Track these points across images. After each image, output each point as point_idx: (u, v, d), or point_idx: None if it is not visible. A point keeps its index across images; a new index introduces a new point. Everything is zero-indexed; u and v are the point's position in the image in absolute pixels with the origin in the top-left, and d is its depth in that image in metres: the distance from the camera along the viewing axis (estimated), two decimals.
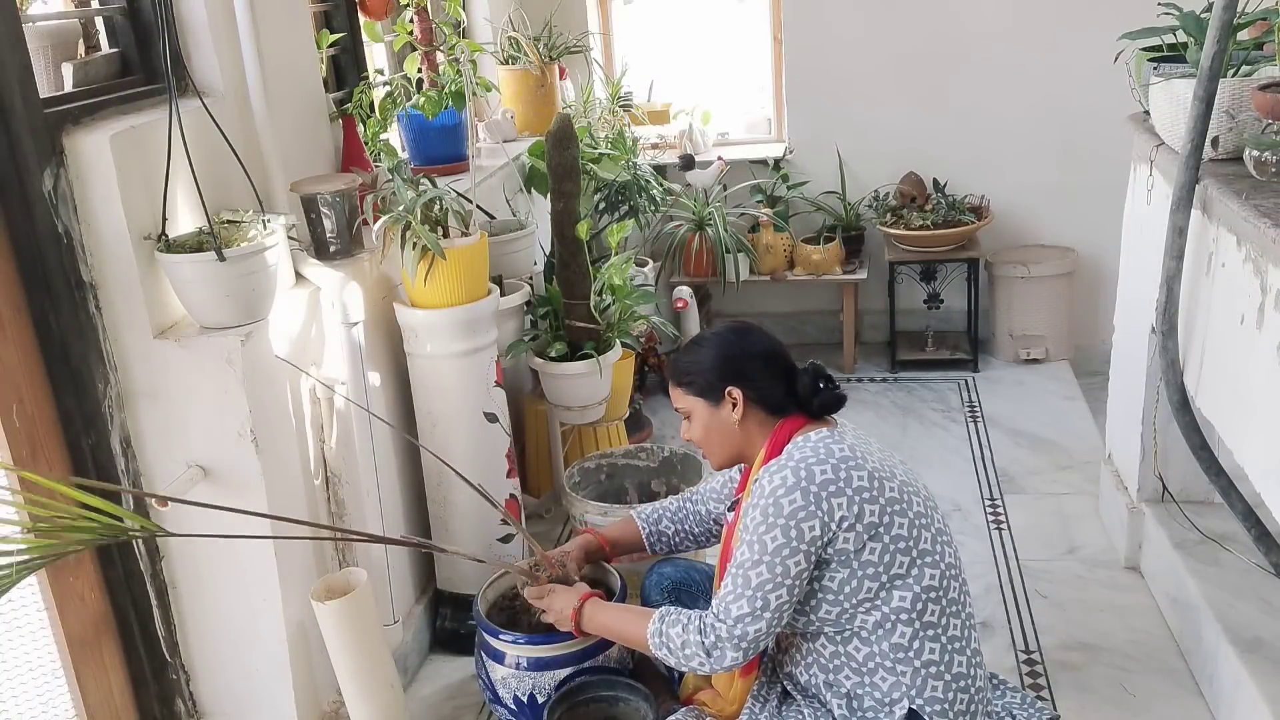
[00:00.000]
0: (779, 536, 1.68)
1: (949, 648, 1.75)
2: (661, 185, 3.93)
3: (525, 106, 3.74)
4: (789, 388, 1.86)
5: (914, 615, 1.72)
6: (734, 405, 1.86)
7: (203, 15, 2.13)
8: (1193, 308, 2.19)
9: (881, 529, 1.70)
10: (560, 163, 2.98)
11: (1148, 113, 2.47)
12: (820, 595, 1.73)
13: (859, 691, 1.76)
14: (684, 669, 1.82)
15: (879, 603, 1.72)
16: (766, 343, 1.91)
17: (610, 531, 2.26)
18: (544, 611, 2.09)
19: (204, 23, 2.14)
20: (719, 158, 4.30)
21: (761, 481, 1.74)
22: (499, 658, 2.18)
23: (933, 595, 1.73)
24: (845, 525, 1.68)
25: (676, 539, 2.21)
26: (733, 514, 1.95)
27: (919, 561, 1.72)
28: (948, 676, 1.74)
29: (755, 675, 1.93)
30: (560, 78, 3.89)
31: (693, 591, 2.17)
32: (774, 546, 1.68)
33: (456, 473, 2.18)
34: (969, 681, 1.76)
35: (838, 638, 1.76)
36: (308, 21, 2.58)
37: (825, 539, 1.69)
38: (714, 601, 1.77)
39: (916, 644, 1.72)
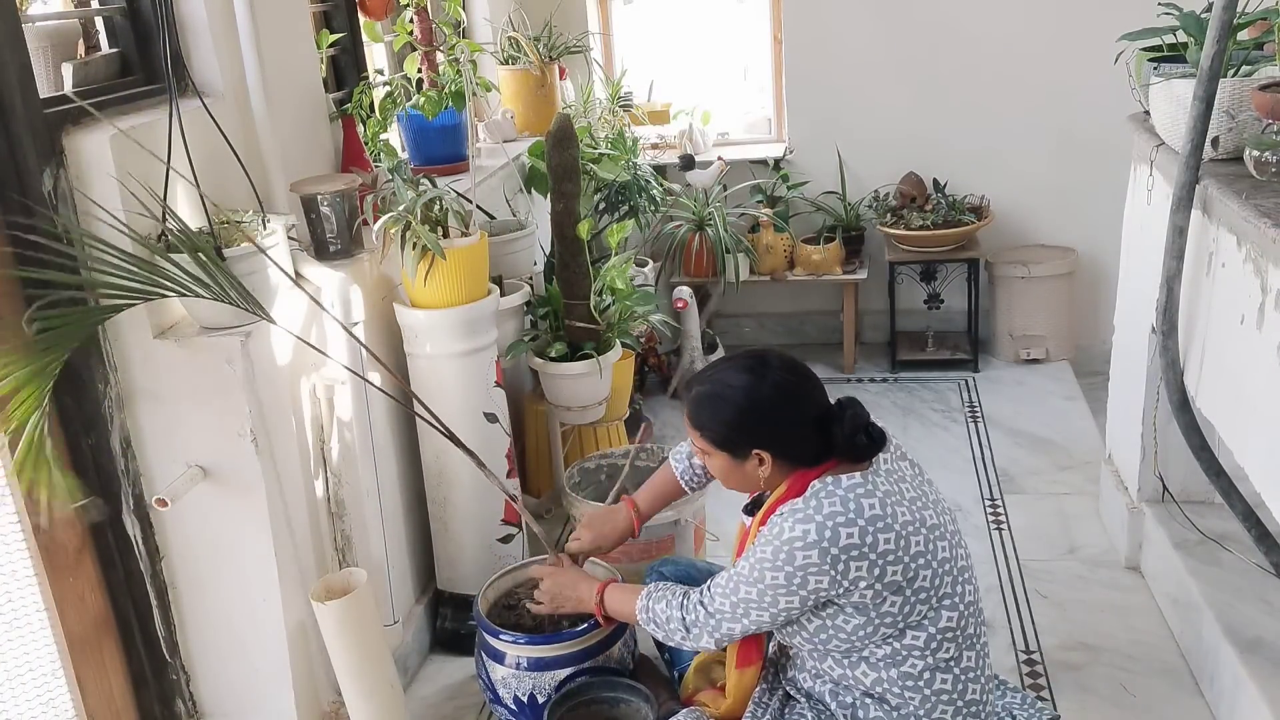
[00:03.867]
0: (780, 579, 1.66)
1: (962, 679, 1.73)
2: (661, 185, 3.93)
3: (525, 106, 3.74)
4: (824, 438, 1.72)
5: (927, 652, 1.70)
6: (760, 462, 1.75)
7: (203, 15, 2.14)
8: (1193, 308, 2.19)
9: (904, 584, 1.66)
10: (560, 163, 2.98)
11: (1148, 113, 2.47)
12: (831, 632, 1.71)
13: (866, 700, 1.76)
14: (669, 642, 1.89)
15: (891, 638, 1.70)
16: (790, 393, 1.74)
17: (642, 496, 2.21)
18: (546, 596, 2.13)
19: (204, 23, 2.14)
20: (719, 158, 4.29)
21: (784, 523, 1.66)
22: (499, 658, 2.18)
23: (949, 635, 1.70)
24: (863, 585, 1.64)
25: (703, 471, 2.14)
26: (750, 518, 1.89)
27: (939, 606, 1.69)
28: (960, 703, 1.73)
29: (754, 669, 1.92)
30: (560, 78, 3.89)
31: None
32: (771, 581, 1.67)
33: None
34: (980, 706, 1.76)
35: (845, 662, 1.75)
36: (308, 21, 2.58)
37: (835, 592, 1.65)
38: (708, 581, 1.81)
39: (928, 675, 1.71)
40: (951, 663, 1.72)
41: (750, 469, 1.77)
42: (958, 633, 1.71)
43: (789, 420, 1.73)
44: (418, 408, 2.21)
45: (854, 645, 1.71)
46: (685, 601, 1.83)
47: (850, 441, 1.71)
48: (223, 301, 1.82)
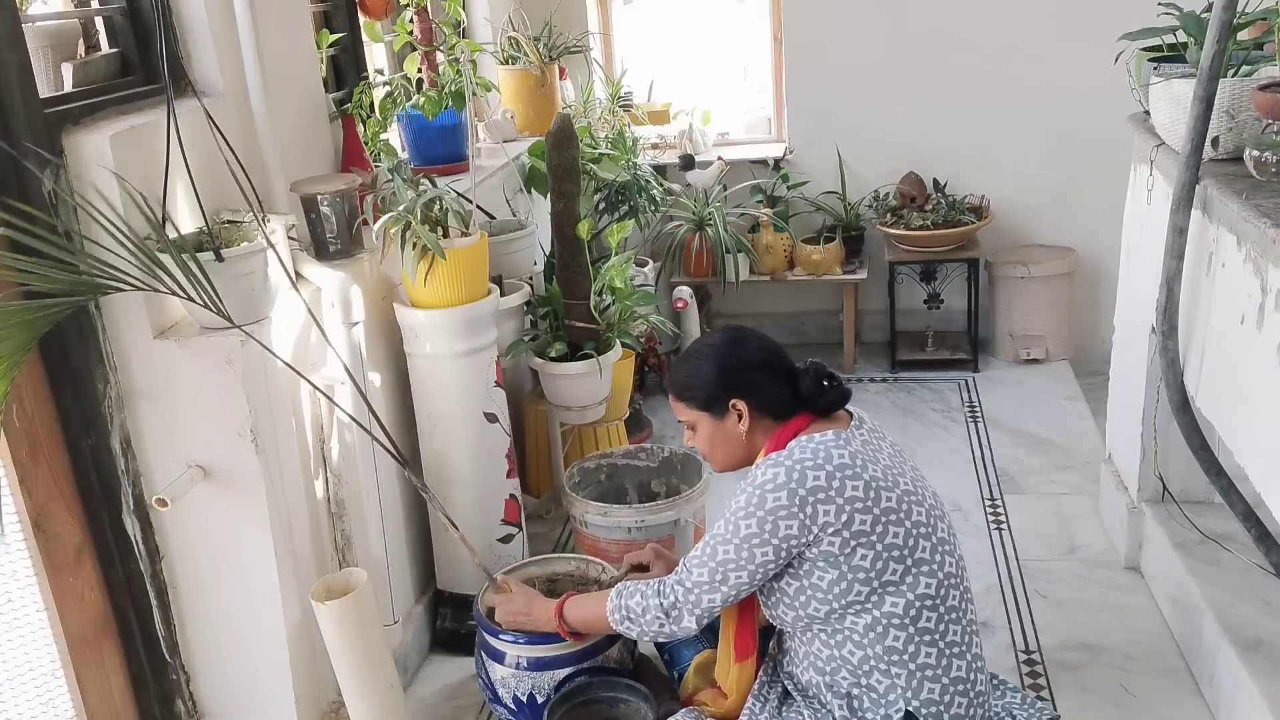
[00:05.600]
0: (754, 526, 1.70)
1: (947, 653, 1.74)
2: (661, 185, 3.93)
3: (525, 106, 3.74)
4: (793, 390, 1.85)
5: (907, 621, 1.71)
6: (739, 416, 1.85)
7: (203, 15, 2.14)
8: (1193, 308, 2.19)
9: (874, 537, 1.69)
10: (560, 163, 2.98)
11: (1148, 113, 2.47)
12: (810, 592, 1.73)
13: (855, 692, 1.76)
14: (646, 638, 1.89)
15: (869, 606, 1.71)
16: (763, 348, 1.89)
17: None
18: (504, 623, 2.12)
19: (204, 23, 2.14)
20: (719, 158, 4.30)
21: (757, 471, 1.75)
22: (499, 658, 2.18)
23: (928, 603, 1.72)
24: (830, 530, 1.68)
25: None
26: None
27: (914, 570, 1.71)
28: (945, 680, 1.74)
29: (751, 661, 1.93)
30: (560, 78, 3.89)
31: None
32: (746, 533, 1.71)
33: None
34: (968, 685, 1.76)
35: (832, 642, 1.76)
36: (308, 21, 2.58)
37: (805, 539, 1.69)
38: (680, 563, 1.83)
39: (911, 648, 1.72)
40: (936, 636, 1.73)
41: (731, 426, 1.86)
42: (938, 601, 1.73)
43: (764, 368, 1.86)
44: (374, 428, 2.15)
45: (833, 608, 1.72)
46: (660, 587, 1.84)
47: (816, 387, 1.82)
48: (207, 308, 1.81)
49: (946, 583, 1.75)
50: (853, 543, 1.69)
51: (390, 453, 2.07)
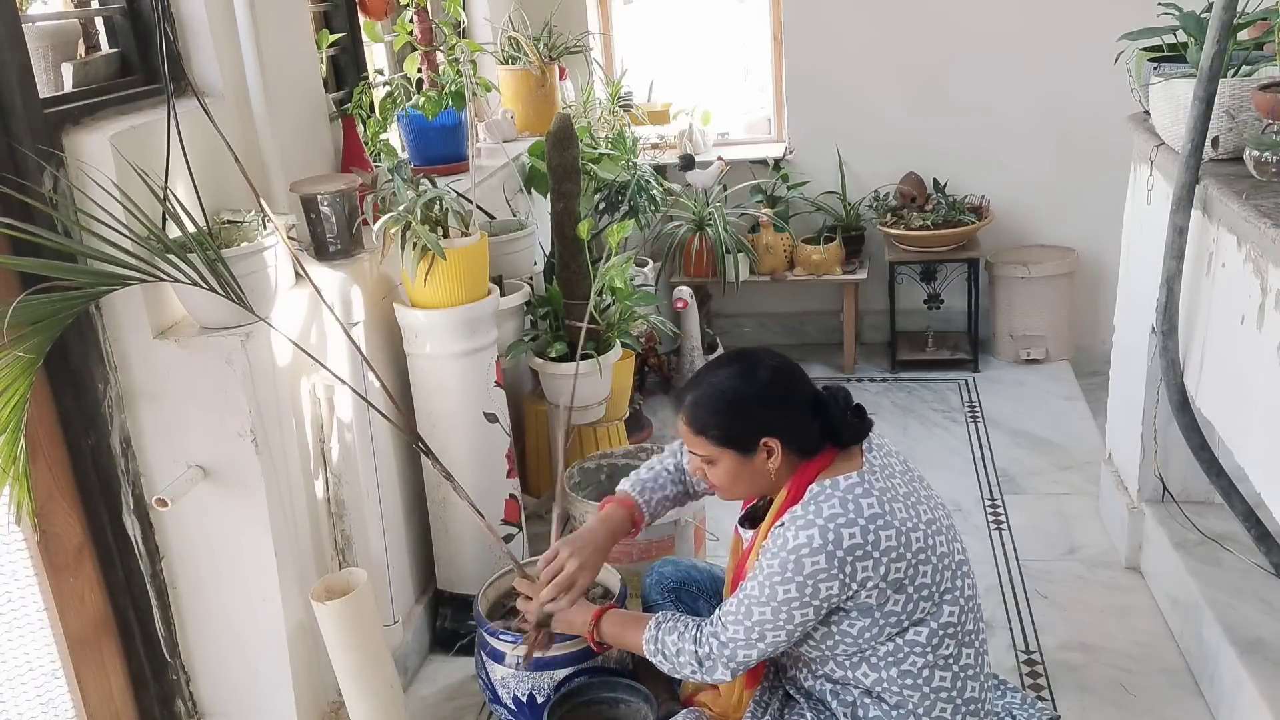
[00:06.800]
0: (793, 590, 1.64)
1: (961, 675, 1.73)
2: (661, 185, 3.93)
3: (525, 106, 3.74)
4: (821, 422, 1.74)
5: (928, 649, 1.70)
6: (769, 453, 1.73)
7: (203, 15, 2.14)
8: (1193, 308, 2.19)
9: (906, 581, 1.66)
10: (560, 163, 2.98)
11: (1148, 113, 2.47)
12: (838, 637, 1.71)
13: (865, 700, 1.76)
14: (676, 675, 1.83)
15: (894, 635, 1.70)
16: (787, 375, 1.76)
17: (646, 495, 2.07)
18: (532, 615, 2.03)
19: (204, 23, 2.14)
20: (719, 158, 4.30)
21: (785, 533, 1.66)
22: (499, 658, 2.18)
23: (950, 631, 1.70)
24: (869, 585, 1.64)
25: (659, 508, 2.08)
26: (750, 532, 1.88)
27: (940, 601, 1.69)
28: (959, 700, 1.73)
29: (760, 685, 1.92)
30: (560, 78, 3.90)
31: (694, 591, 2.16)
32: (785, 597, 1.65)
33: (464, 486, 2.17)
34: (979, 705, 1.75)
35: (847, 663, 1.74)
36: (308, 21, 2.58)
37: (845, 596, 1.65)
38: (716, 612, 1.77)
39: (927, 672, 1.71)
40: (950, 660, 1.72)
41: (759, 463, 1.74)
42: (958, 628, 1.71)
43: (791, 402, 1.74)
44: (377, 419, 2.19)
45: (860, 648, 1.71)
46: (698, 634, 1.77)
47: (843, 420, 1.74)
48: (219, 294, 1.82)
49: (967, 607, 1.73)
50: (889, 591, 1.65)
51: (420, 449, 2.08)
